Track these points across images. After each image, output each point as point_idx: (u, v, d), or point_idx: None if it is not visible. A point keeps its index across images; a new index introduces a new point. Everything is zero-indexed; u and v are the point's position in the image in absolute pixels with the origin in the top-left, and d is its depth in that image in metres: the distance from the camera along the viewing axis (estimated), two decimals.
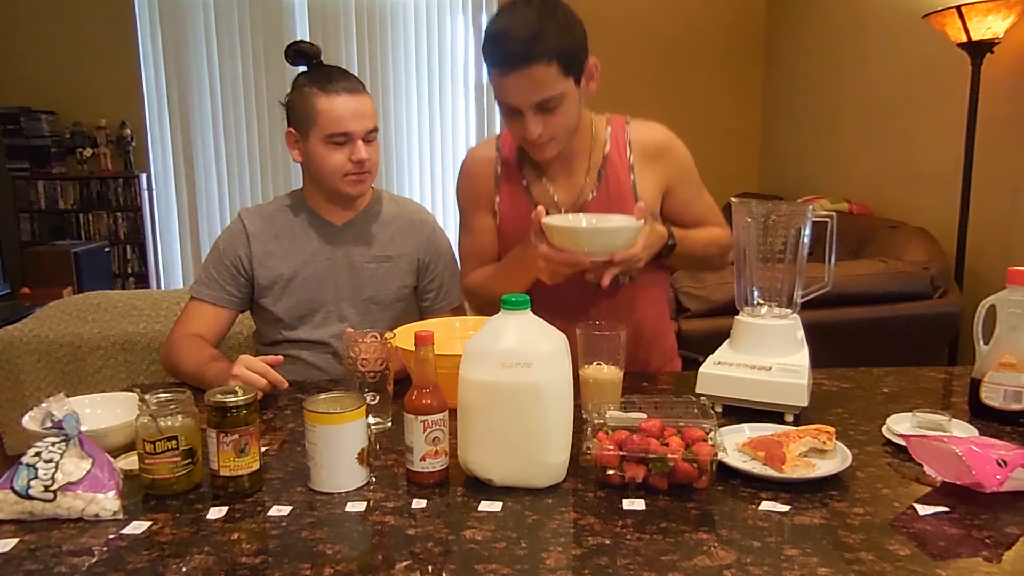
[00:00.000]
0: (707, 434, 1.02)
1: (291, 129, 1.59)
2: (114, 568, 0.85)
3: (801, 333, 1.33)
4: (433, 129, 5.54)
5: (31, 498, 0.95)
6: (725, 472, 1.05)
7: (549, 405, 1.02)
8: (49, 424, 1.00)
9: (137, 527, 0.94)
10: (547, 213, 1.33)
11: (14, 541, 0.91)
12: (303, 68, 1.59)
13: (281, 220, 1.64)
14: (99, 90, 5.25)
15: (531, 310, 1.06)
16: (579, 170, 1.51)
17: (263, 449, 1.11)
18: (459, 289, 1.74)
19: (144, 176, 5.35)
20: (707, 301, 2.60)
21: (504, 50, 1.31)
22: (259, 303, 1.64)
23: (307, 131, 1.55)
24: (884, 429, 1.19)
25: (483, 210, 1.56)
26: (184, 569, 0.84)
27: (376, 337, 1.25)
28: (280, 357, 1.40)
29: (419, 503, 1.00)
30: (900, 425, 1.18)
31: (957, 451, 0.99)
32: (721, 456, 1.01)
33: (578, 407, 1.14)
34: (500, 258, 1.56)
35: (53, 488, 0.95)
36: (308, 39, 5.22)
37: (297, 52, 1.57)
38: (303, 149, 1.58)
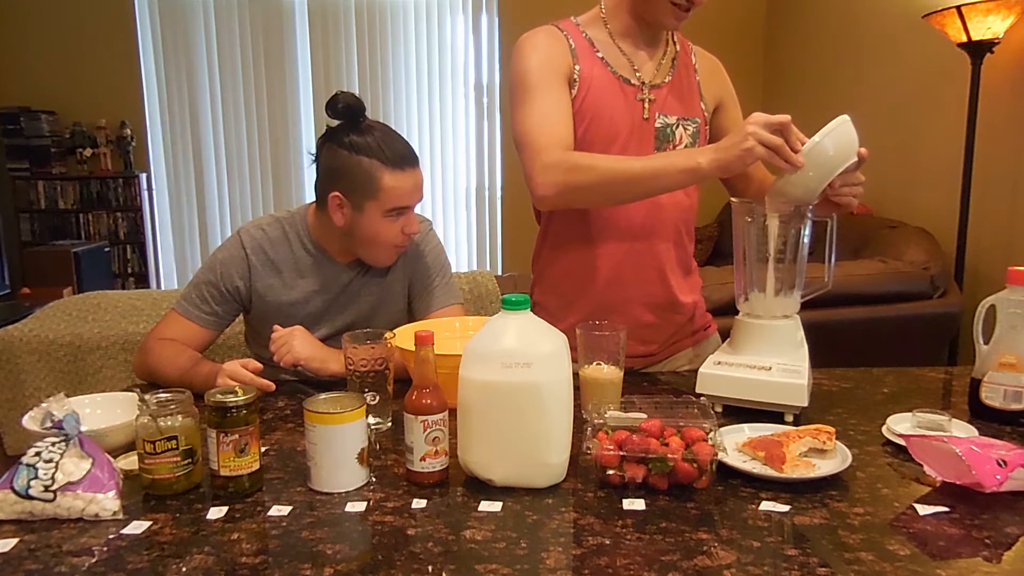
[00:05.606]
0: (707, 434, 1.02)
1: (338, 193, 1.48)
2: (114, 568, 0.85)
3: (801, 333, 1.33)
4: (433, 129, 5.54)
5: (31, 498, 0.95)
6: (725, 472, 1.05)
7: (549, 405, 1.02)
8: (49, 424, 1.00)
9: (137, 527, 0.94)
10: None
11: (14, 541, 0.91)
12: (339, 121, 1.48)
13: (283, 252, 1.57)
14: (99, 90, 5.25)
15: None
16: (656, 55, 1.53)
17: (263, 449, 1.11)
18: (452, 293, 1.67)
19: (144, 176, 5.36)
20: (707, 301, 2.59)
21: None
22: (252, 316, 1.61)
23: (362, 202, 1.47)
24: (884, 429, 1.19)
25: (561, 82, 1.43)
26: (184, 569, 0.84)
27: (376, 337, 1.25)
28: (260, 365, 1.37)
29: (419, 503, 1.00)
30: (900, 425, 1.18)
31: (957, 451, 0.99)
32: (721, 456, 1.01)
33: (578, 407, 1.14)
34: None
35: (53, 488, 0.95)
36: (308, 39, 5.35)
37: (346, 107, 1.46)
38: (349, 215, 1.49)
